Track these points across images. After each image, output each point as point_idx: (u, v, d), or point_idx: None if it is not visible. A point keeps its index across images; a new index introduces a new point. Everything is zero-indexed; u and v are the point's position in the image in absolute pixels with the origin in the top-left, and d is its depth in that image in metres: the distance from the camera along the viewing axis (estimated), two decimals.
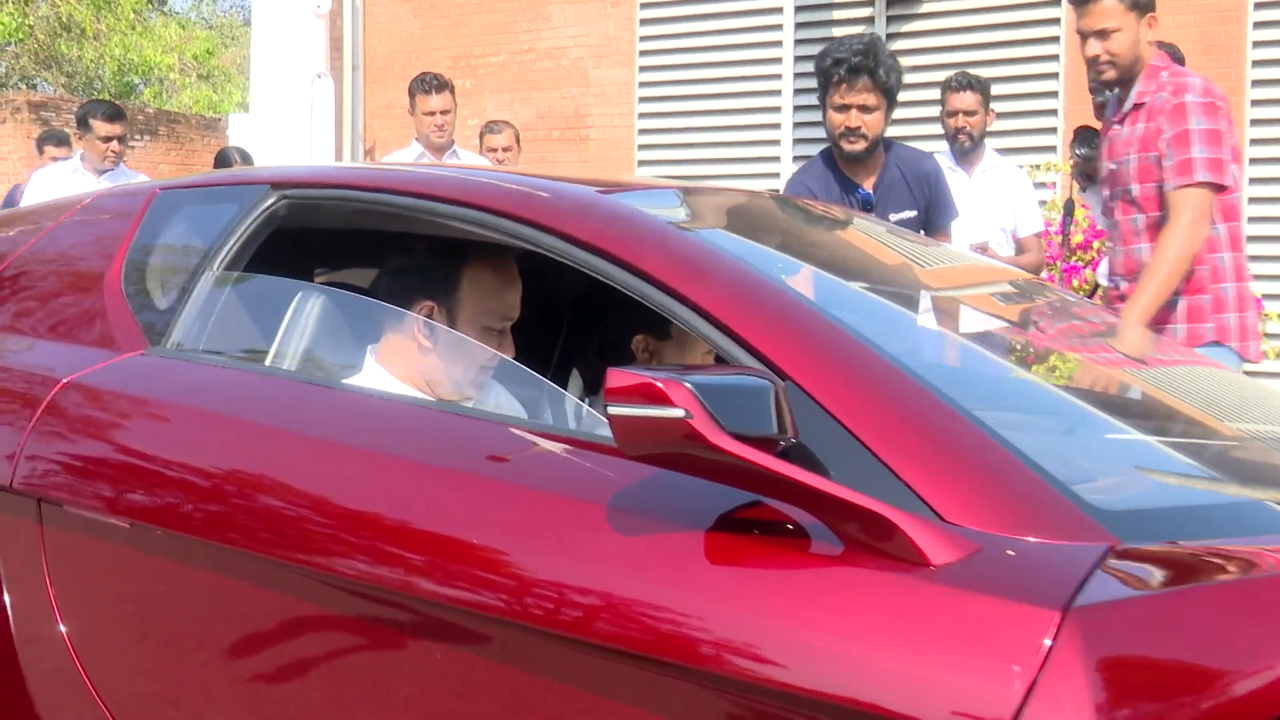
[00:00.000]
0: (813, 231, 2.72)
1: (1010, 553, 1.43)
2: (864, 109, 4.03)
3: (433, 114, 6.50)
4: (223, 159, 7.46)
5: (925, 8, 8.57)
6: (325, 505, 1.91)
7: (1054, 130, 8.13)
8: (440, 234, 2.40)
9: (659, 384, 1.44)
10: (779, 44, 8.99)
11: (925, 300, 2.36)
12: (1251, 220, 7.57)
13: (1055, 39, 8.18)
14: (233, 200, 2.51)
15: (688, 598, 1.52)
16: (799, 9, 8.92)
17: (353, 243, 2.84)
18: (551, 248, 1.99)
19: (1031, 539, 1.45)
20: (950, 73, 6.30)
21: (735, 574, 1.53)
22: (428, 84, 6.56)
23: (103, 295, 2.49)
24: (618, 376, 1.47)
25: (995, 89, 7.67)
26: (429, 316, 2.47)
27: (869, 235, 2.81)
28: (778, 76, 8.97)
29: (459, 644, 1.73)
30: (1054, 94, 8.20)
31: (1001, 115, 7.02)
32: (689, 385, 1.44)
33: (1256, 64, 7.67)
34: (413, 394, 2.34)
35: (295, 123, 10.16)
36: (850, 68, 4.01)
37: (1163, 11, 4.21)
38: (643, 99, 9.49)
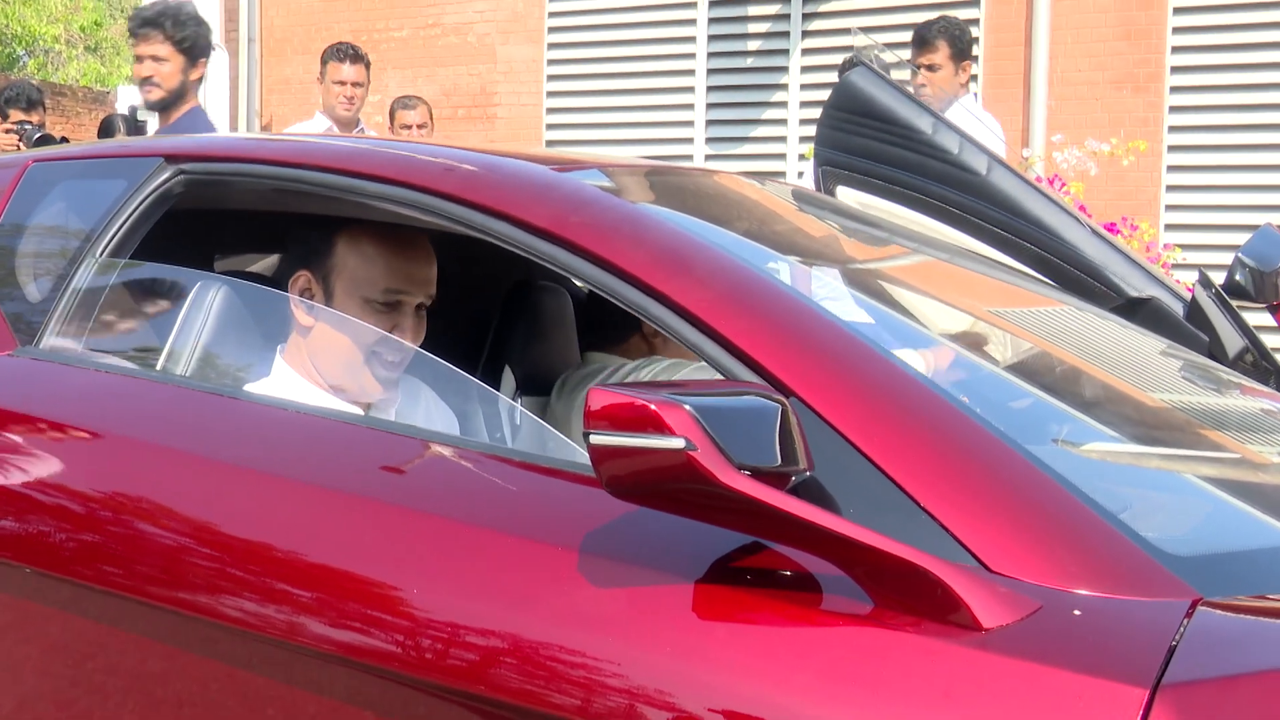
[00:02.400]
0: (801, 219, 2.44)
1: (1077, 613, 1.18)
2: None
3: (344, 84, 6.18)
4: (107, 127, 6.83)
5: None
6: (211, 537, 1.62)
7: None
8: (368, 217, 2.09)
9: (653, 407, 1.15)
10: (693, 21, 8.74)
11: (943, 305, 2.09)
12: (1169, 209, 7.51)
13: (974, 20, 8.02)
14: (120, 175, 2.17)
15: (676, 666, 1.25)
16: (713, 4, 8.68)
17: (260, 226, 2.51)
18: (502, 235, 1.69)
19: (1095, 594, 1.20)
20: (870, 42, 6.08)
21: (736, 635, 1.25)
22: (342, 52, 6.25)
23: None
24: (601, 396, 1.17)
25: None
26: (304, 290, 2.15)
27: (860, 225, 2.53)
28: (691, 56, 8.73)
29: (359, 705, 1.45)
30: (973, 77, 8.03)
31: None
32: (689, 409, 1.15)
33: (1176, 50, 7.57)
34: (321, 398, 2.04)
35: None
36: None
37: None
38: (551, 76, 9.19)
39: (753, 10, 8.61)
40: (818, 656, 1.21)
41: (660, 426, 1.16)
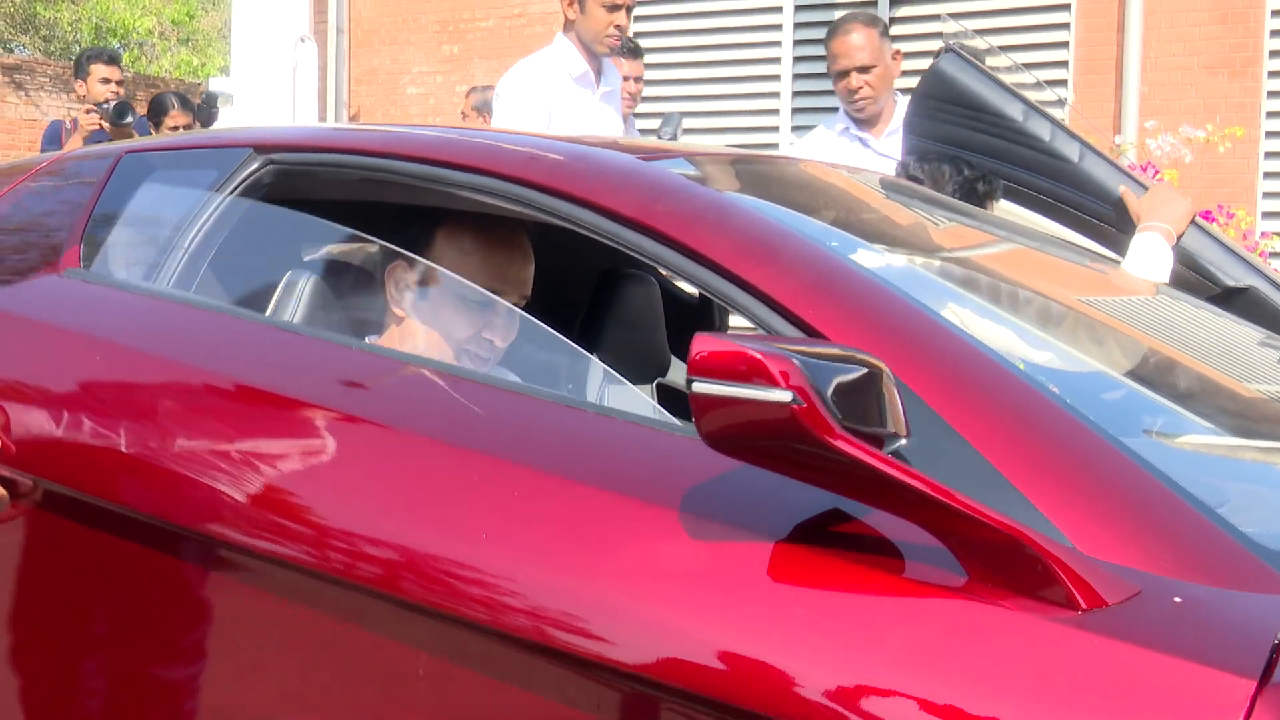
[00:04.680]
0: (888, 207, 2.41)
1: (1178, 600, 1.15)
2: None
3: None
4: (158, 106, 6.75)
5: None
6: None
7: (1062, 103, 7.85)
8: (454, 206, 2.09)
9: (762, 358, 1.11)
10: (779, 9, 8.70)
11: (1034, 293, 2.05)
12: (1266, 196, 7.35)
13: (1066, 6, 7.89)
14: (210, 165, 2.19)
15: (755, 627, 1.22)
16: None
17: (350, 216, 2.53)
18: (589, 224, 1.68)
19: (1193, 583, 1.17)
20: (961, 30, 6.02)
21: (820, 600, 1.22)
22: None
23: (59, 273, 2.15)
24: (707, 342, 1.14)
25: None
26: (399, 282, 2.15)
27: (947, 212, 2.50)
28: (777, 44, 8.68)
29: (455, 661, 1.44)
30: (1064, 64, 7.92)
31: None
32: (798, 363, 1.12)
33: (1275, 34, 7.40)
34: None
35: (278, 88, 9.81)
36: None
37: None
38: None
39: (840, 12, 8.54)
40: (906, 628, 1.18)
41: (769, 378, 1.12)
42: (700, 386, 1.14)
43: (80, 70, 6.86)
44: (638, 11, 9.03)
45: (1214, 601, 1.15)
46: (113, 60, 7.05)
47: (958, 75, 3.18)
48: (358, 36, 10.21)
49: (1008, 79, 3.38)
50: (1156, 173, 6.00)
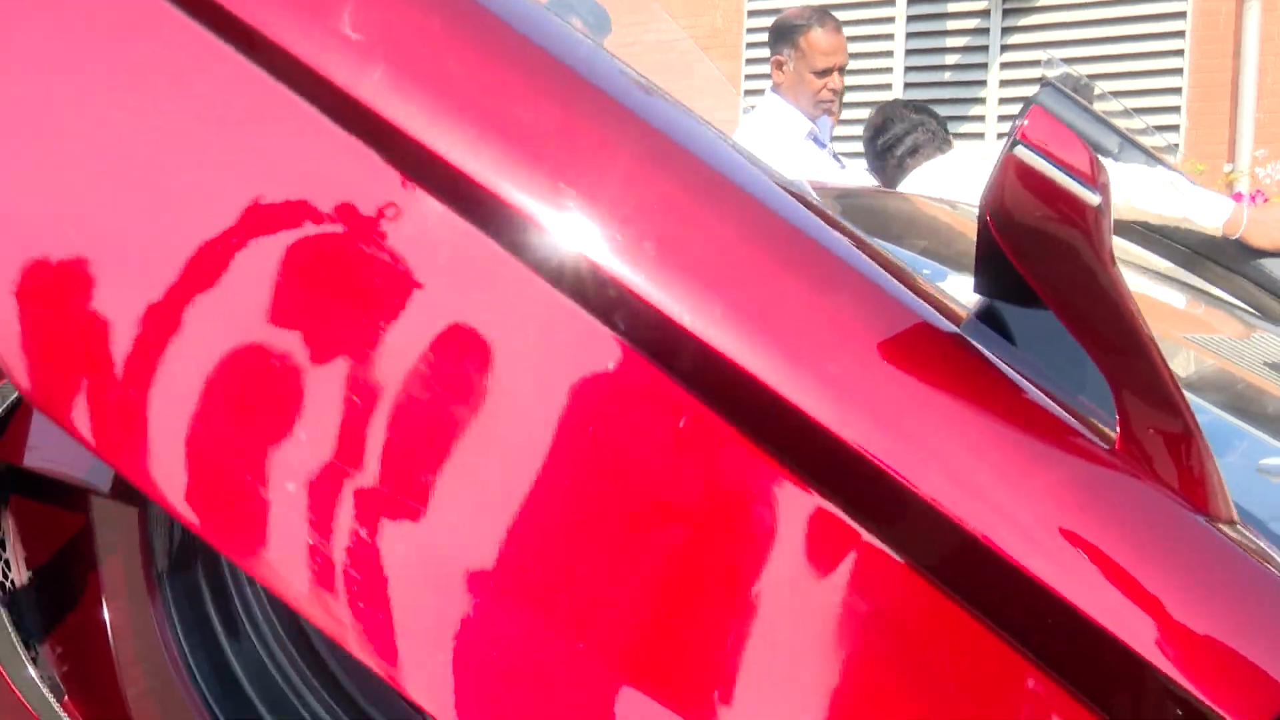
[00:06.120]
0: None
1: None
2: None
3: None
4: None
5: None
6: None
7: (1176, 128, 7.86)
8: None
9: (1090, 154, 1.04)
10: (890, 36, 8.80)
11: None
12: None
13: (1180, 33, 7.90)
14: None
15: None
16: (911, 1, 8.72)
17: None
18: None
19: None
20: (1068, 68, 6.07)
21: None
22: None
23: None
24: (1044, 118, 1.05)
25: (1114, 86, 7.44)
26: None
27: None
28: (889, 70, 8.78)
29: None
30: (1178, 90, 7.92)
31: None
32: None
33: None
34: None
35: None
36: None
37: None
38: (749, 91, 9.35)
39: (950, 25, 8.63)
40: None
41: (1090, 178, 1.04)
42: (1022, 155, 1.05)
43: None
44: (749, 38, 9.19)
45: None
46: None
47: (1055, 108, 3.27)
48: None
49: (1114, 118, 3.49)
50: (1265, 200, 6.02)
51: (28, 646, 1.99)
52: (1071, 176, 1.02)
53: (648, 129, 1.15)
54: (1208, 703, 0.94)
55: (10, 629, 1.97)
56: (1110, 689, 0.98)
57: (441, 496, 1.05)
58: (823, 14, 4.83)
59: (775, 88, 4.71)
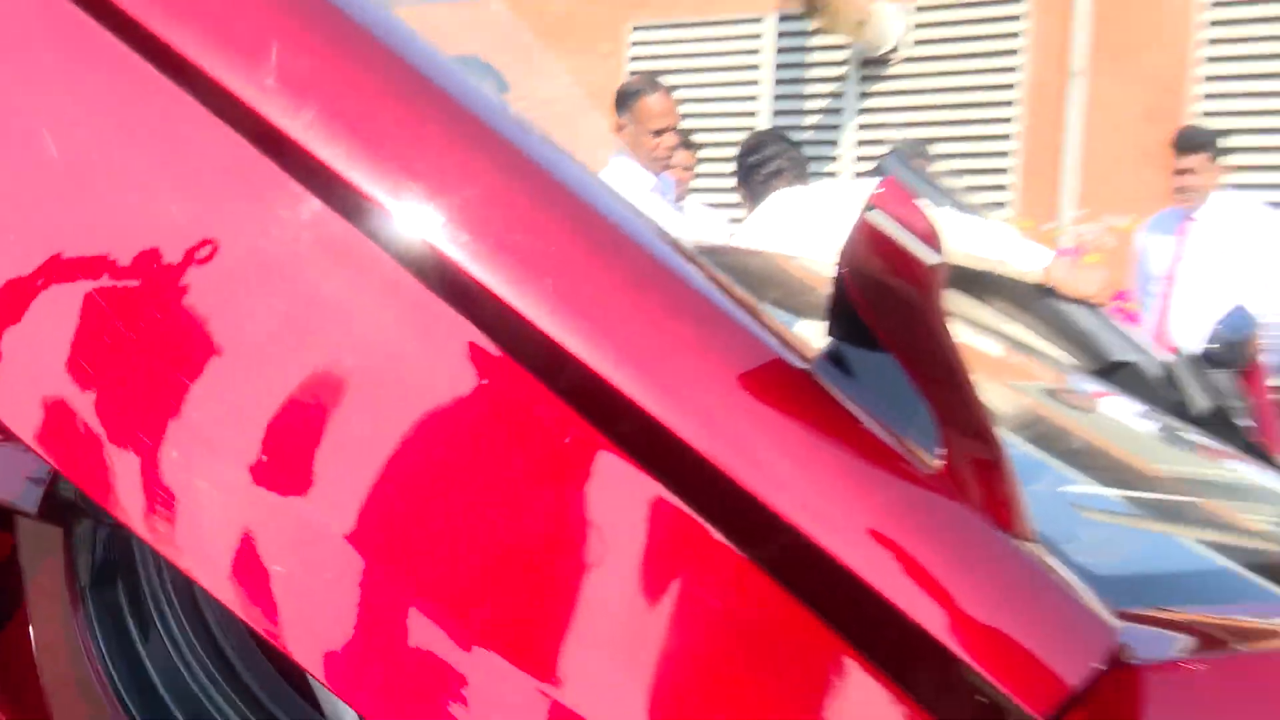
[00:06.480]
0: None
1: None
2: None
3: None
4: None
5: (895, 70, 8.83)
6: None
7: (1006, 188, 8.45)
8: None
9: (930, 221, 1.11)
10: (755, 98, 9.23)
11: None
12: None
13: (1010, 103, 8.50)
14: None
15: None
16: (779, 67, 9.24)
17: None
18: None
19: None
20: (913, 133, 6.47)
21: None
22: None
23: None
24: (894, 186, 1.15)
25: (952, 149, 7.90)
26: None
27: None
28: (754, 128, 9.32)
29: None
30: (1007, 153, 8.50)
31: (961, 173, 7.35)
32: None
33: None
34: None
35: None
36: None
37: None
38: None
39: (810, 90, 9.08)
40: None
41: (931, 240, 1.18)
42: (872, 217, 1.13)
43: None
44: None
45: None
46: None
47: (903, 174, 3.79)
48: None
49: (950, 179, 3.98)
50: (1083, 253, 6.65)
51: None
52: (915, 238, 1.10)
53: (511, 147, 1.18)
54: (1002, 689, 1.04)
55: None
56: (915, 671, 1.08)
57: (314, 470, 1.11)
58: (653, 81, 5.41)
59: (620, 149, 5.32)
